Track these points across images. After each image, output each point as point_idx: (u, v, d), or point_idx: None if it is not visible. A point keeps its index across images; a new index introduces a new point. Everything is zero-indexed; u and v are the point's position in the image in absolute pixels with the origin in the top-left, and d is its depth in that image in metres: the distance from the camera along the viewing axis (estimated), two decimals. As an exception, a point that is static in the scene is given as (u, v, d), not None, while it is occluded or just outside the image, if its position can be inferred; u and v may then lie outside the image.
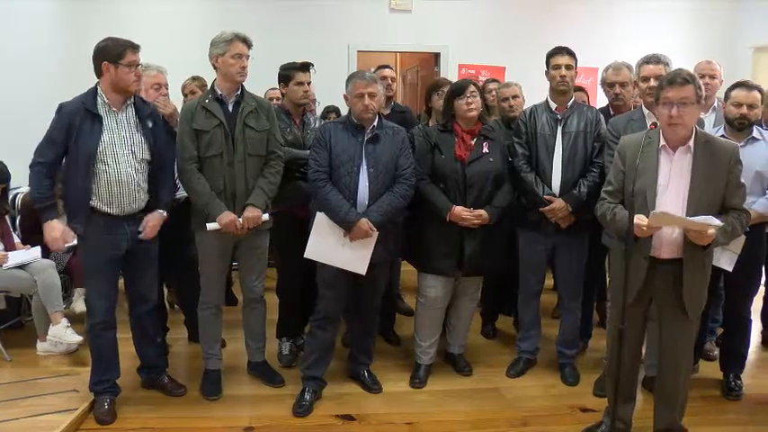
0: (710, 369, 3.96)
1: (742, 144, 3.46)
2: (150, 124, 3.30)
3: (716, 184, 2.81)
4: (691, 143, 2.83)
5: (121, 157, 3.17)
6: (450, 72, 6.90)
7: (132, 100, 3.27)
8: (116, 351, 3.41)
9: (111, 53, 3.12)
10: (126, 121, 3.22)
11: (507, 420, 3.46)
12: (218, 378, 3.68)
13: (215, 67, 3.42)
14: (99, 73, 3.18)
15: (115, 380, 3.42)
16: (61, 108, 3.16)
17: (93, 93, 3.17)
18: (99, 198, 3.16)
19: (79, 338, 4.02)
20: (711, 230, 2.68)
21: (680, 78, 2.75)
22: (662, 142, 2.86)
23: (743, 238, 3.35)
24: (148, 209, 3.34)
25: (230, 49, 3.34)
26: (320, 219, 3.40)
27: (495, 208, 3.58)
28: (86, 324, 3.38)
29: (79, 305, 4.23)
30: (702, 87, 2.81)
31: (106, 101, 3.16)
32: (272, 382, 3.76)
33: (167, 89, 3.95)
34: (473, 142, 3.60)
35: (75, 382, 3.64)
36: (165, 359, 3.78)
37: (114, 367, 3.42)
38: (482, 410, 3.56)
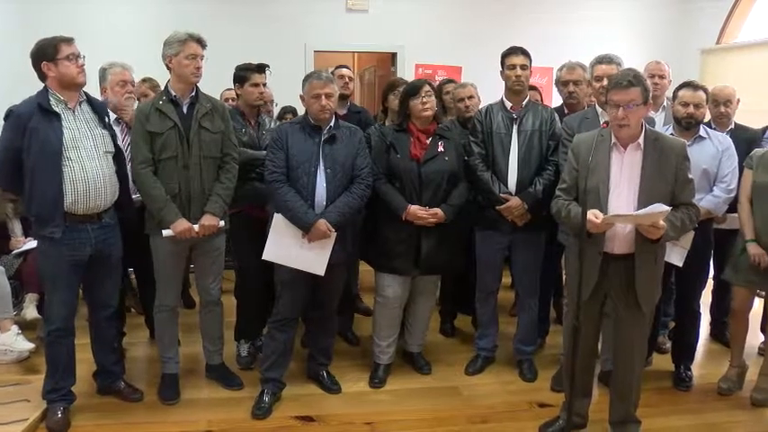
0: (663, 361, 4.07)
1: (690, 143, 3.54)
2: (107, 120, 3.29)
3: (665, 179, 2.88)
4: (641, 141, 2.90)
5: (84, 151, 3.11)
6: (407, 72, 6.93)
7: (85, 97, 3.22)
8: (73, 358, 3.33)
9: (47, 52, 3.07)
10: (83, 116, 3.18)
11: (467, 418, 3.49)
12: (175, 382, 3.63)
13: (168, 68, 3.37)
14: (42, 76, 3.11)
15: (70, 387, 3.34)
16: (12, 113, 3.09)
17: (44, 93, 3.11)
18: (65, 197, 3.08)
19: (31, 346, 3.92)
20: (662, 222, 2.75)
21: (626, 81, 2.80)
22: (613, 140, 2.92)
23: (691, 234, 3.45)
24: (117, 206, 3.30)
25: (184, 49, 3.30)
26: (278, 220, 3.39)
27: (451, 206, 3.60)
28: (43, 330, 3.31)
29: (30, 312, 4.12)
30: (650, 88, 2.87)
31: (61, 98, 3.10)
32: (231, 385, 3.73)
33: (134, 86, 3.91)
34: (428, 141, 3.62)
35: (27, 390, 3.53)
36: (122, 364, 3.70)
37: (70, 374, 3.34)
38: (441, 409, 3.58)
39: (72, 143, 3.08)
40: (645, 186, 2.87)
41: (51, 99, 3.09)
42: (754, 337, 4.23)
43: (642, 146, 2.89)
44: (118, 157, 3.32)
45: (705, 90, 3.70)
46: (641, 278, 2.93)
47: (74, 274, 3.21)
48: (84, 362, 3.53)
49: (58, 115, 3.08)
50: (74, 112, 3.14)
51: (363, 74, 8.83)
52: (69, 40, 3.12)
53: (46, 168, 3.04)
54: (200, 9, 6.40)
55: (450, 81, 4.96)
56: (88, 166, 3.11)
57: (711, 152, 3.62)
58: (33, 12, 6.03)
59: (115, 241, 3.34)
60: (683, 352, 3.91)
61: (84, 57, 3.16)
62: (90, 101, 3.25)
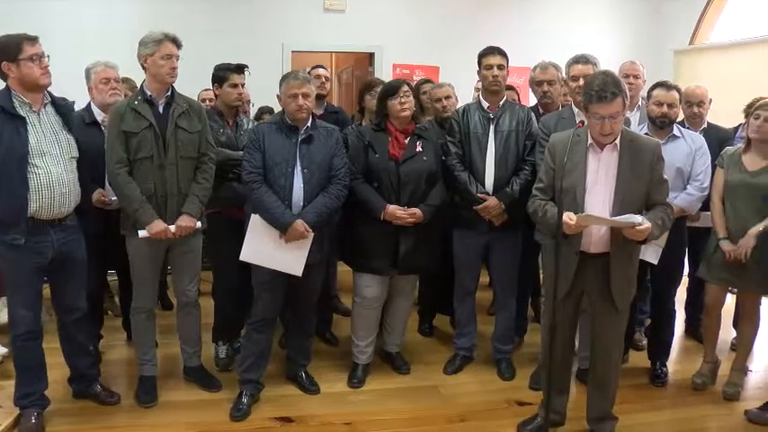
0: (639, 358, 4.12)
1: (663, 142, 3.59)
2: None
3: (640, 180, 2.91)
4: (617, 141, 2.92)
5: (50, 157, 3.04)
6: (384, 72, 6.93)
7: (49, 98, 3.15)
8: (43, 361, 3.27)
9: (8, 51, 2.96)
10: (48, 118, 3.11)
11: (445, 417, 3.50)
12: (153, 384, 3.60)
13: (144, 68, 3.34)
14: (3, 76, 3.02)
15: (42, 391, 3.28)
16: None
17: (6, 94, 3.01)
18: (29, 204, 3.01)
19: (4, 351, 3.87)
20: (645, 224, 2.77)
21: (609, 94, 2.76)
22: (590, 141, 2.94)
23: (666, 232, 3.50)
24: (78, 211, 3.24)
25: (159, 49, 3.26)
26: (255, 221, 3.38)
27: (429, 206, 3.61)
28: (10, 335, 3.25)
29: (4, 315, 4.06)
30: (627, 93, 2.88)
31: (26, 101, 3.02)
32: (209, 387, 3.70)
33: (118, 83, 3.86)
34: (406, 141, 3.63)
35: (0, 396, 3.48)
36: (98, 368, 3.65)
37: (41, 378, 3.27)
38: (420, 408, 3.59)
39: (38, 149, 3.01)
40: (620, 186, 2.90)
41: (15, 101, 3.00)
42: (727, 333, 4.29)
43: (618, 146, 2.92)
44: (81, 161, 3.25)
45: (678, 90, 3.74)
46: (616, 277, 2.97)
47: (36, 276, 3.15)
48: (59, 366, 3.47)
49: (23, 119, 3.00)
50: (39, 114, 3.07)
51: (341, 74, 8.82)
52: (33, 40, 3.02)
53: (11, 175, 2.96)
54: (176, 8, 6.35)
55: (427, 81, 4.97)
56: (54, 172, 3.04)
57: (685, 151, 3.67)
58: None
59: (78, 243, 3.27)
60: (659, 349, 3.97)
61: (48, 56, 3.06)
62: (54, 102, 3.18)
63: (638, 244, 2.92)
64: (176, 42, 3.33)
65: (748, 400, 3.68)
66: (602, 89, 2.78)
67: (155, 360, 3.64)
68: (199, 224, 3.42)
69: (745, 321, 3.77)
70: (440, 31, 7.15)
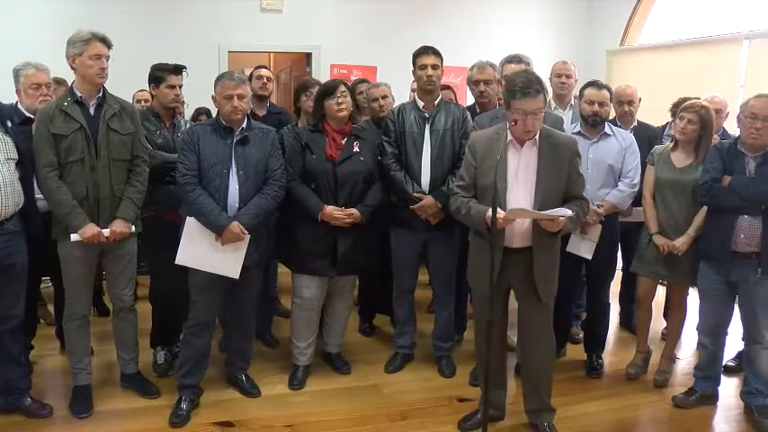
0: (576, 351, 4.22)
1: (596, 139, 3.72)
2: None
3: (559, 174, 3.00)
4: (536, 137, 2.99)
5: None
6: (322, 72, 6.91)
7: None
8: None
9: None
10: None
11: (387, 415, 3.52)
12: (88, 394, 3.51)
13: (72, 68, 3.25)
14: None
15: (-32, 407, 3.17)
16: None
17: None
18: None
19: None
20: (561, 218, 2.86)
21: (532, 90, 2.84)
22: (509, 137, 2.99)
23: (599, 227, 3.62)
24: (23, 213, 3.13)
25: (88, 49, 3.19)
26: (190, 223, 3.33)
27: (367, 207, 3.62)
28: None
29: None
30: (548, 91, 2.96)
31: None
32: (147, 394, 3.63)
33: (50, 89, 3.73)
34: (344, 142, 3.63)
35: None
36: (29, 379, 3.52)
37: None
38: (362, 407, 3.60)
39: None
40: (541, 181, 2.97)
41: None
42: (658, 324, 4.44)
43: (537, 142, 2.99)
44: (23, 163, 3.16)
45: (609, 89, 3.85)
46: (539, 268, 3.04)
47: None
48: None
49: None
50: None
51: (279, 74, 8.75)
52: None
53: None
54: (110, 8, 6.19)
55: (363, 81, 4.98)
56: None
57: (616, 148, 3.77)
58: None
59: (18, 249, 3.18)
60: (594, 341, 4.07)
61: None
62: None
63: (552, 236, 2.99)
64: (106, 42, 3.26)
65: (676, 386, 3.84)
66: (526, 86, 2.85)
67: (89, 368, 3.54)
68: (133, 228, 3.35)
69: (675, 311, 3.91)
70: (377, 31, 7.17)
